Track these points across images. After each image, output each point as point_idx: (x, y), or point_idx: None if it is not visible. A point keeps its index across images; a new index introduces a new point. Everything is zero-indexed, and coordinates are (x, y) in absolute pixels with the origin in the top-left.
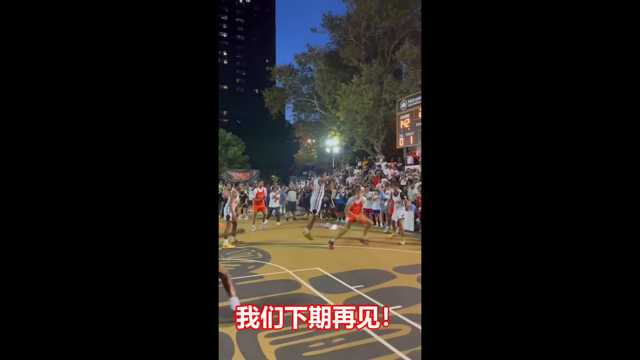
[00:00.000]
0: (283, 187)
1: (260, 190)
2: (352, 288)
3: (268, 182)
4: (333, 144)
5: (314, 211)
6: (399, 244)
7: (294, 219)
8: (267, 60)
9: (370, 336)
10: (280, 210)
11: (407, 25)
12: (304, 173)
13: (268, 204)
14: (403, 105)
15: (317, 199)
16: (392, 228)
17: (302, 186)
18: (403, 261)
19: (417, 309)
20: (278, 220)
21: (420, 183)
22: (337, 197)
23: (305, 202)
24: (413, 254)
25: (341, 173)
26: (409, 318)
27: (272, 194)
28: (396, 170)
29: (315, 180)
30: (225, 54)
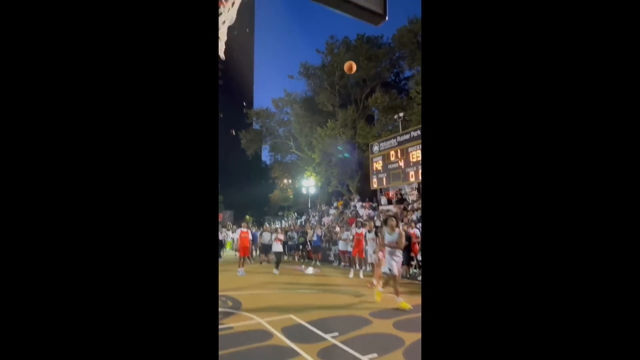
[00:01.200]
0: (258, 229)
1: (245, 231)
2: (327, 337)
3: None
4: (309, 184)
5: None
6: (377, 287)
7: (268, 262)
8: (244, 103)
9: None
10: (254, 253)
11: (378, 76)
12: (279, 213)
13: (253, 246)
14: (375, 148)
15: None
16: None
17: (278, 227)
18: (378, 305)
19: (393, 356)
20: (277, 268)
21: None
22: (314, 238)
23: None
24: (388, 297)
25: (317, 213)
26: None
27: (274, 236)
28: (371, 211)
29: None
30: None
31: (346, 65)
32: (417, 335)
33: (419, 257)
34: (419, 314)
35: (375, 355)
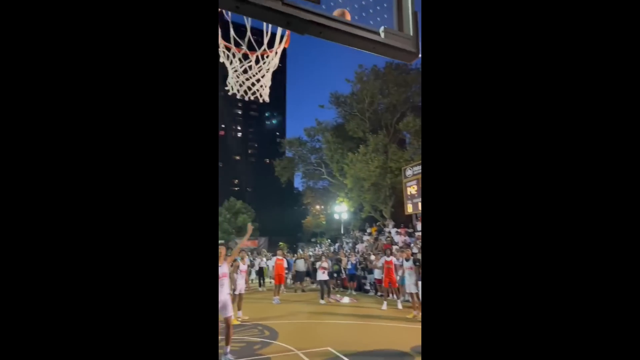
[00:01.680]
0: (292, 256)
1: (280, 258)
2: None
3: (276, 249)
4: (341, 210)
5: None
6: (417, 320)
7: (303, 290)
8: (277, 133)
9: None
10: (288, 280)
11: (408, 100)
12: (312, 240)
13: (289, 273)
14: (409, 172)
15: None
16: (410, 302)
17: (321, 253)
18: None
19: None
20: (322, 298)
21: None
22: (349, 266)
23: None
24: None
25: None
26: None
27: (318, 264)
28: (407, 237)
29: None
30: (239, 127)
31: (337, 12)
32: None
33: None
34: None
35: None
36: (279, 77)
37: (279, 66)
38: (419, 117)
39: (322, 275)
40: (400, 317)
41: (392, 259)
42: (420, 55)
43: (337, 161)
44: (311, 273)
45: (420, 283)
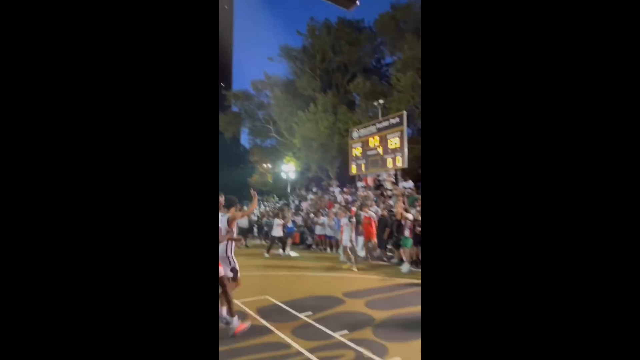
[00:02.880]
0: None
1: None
2: (301, 315)
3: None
4: (289, 170)
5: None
6: (352, 270)
7: (247, 246)
8: (222, 84)
9: None
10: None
11: (359, 61)
12: (259, 198)
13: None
14: (355, 134)
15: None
16: (345, 257)
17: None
18: (353, 286)
19: (363, 333)
20: (284, 250)
21: (376, 208)
22: (290, 225)
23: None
24: (363, 279)
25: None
26: (355, 342)
27: (276, 221)
28: (349, 196)
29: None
30: None
31: None
32: (386, 313)
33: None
34: (389, 294)
35: (346, 332)
36: (224, 20)
37: (224, 8)
38: (369, 79)
39: (277, 232)
40: (337, 268)
41: (371, 214)
42: (358, 3)
43: (285, 119)
44: (254, 229)
45: (354, 237)
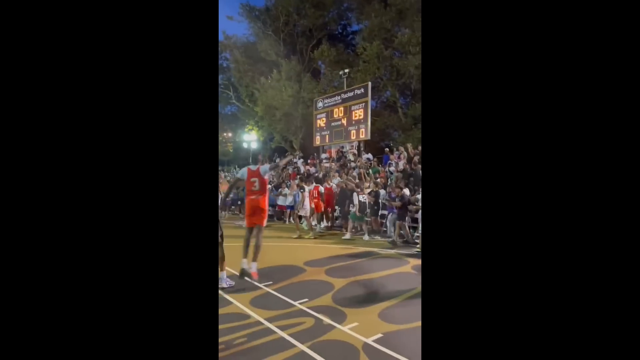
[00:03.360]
0: None
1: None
2: (261, 285)
3: None
4: (251, 139)
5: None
6: (310, 238)
7: None
8: None
9: (274, 332)
10: None
11: (325, 27)
12: (220, 168)
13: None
14: (320, 104)
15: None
16: (308, 226)
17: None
18: (313, 255)
19: (322, 300)
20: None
21: (339, 179)
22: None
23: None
24: (323, 248)
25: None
26: (314, 310)
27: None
28: (312, 167)
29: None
30: None
31: None
32: (345, 281)
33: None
34: (348, 262)
35: (306, 300)
36: None
37: None
38: (334, 46)
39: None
40: (299, 238)
41: (332, 185)
42: None
43: (246, 85)
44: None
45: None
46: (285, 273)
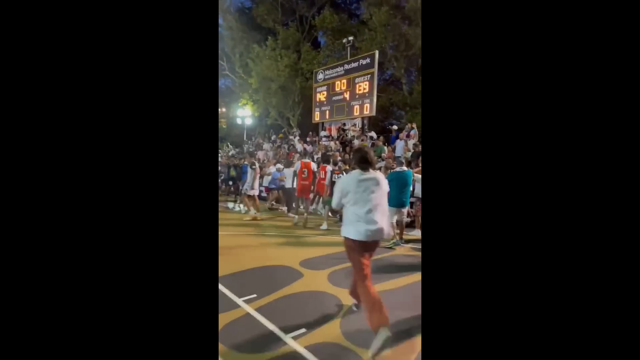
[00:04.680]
0: None
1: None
2: (239, 302)
3: None
4: (245, 115)
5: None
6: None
7: None
8: None
9: None
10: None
11: None
12: None
13: None
14: (320, 76)
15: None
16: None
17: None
18: (309, 254)
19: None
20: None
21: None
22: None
23: None
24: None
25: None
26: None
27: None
28: (309, 145)
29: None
30: None
31: None
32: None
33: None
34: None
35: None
36: None
37: None
38: (337, 13)
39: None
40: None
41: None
42: None
43: (240, 54)
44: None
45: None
46: (277, 280)
